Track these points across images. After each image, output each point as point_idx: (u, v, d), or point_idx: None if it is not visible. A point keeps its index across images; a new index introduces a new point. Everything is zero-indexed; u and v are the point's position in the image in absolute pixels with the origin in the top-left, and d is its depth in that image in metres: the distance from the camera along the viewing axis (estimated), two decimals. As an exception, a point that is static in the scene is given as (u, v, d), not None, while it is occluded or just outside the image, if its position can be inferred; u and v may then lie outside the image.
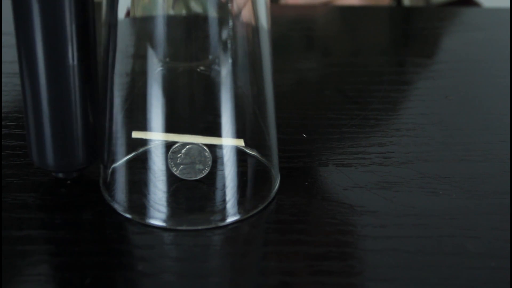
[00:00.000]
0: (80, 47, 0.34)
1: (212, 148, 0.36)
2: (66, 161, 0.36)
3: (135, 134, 0.36)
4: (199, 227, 0.34)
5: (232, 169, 0.36)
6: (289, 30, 0.63)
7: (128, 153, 0.37)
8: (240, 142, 0.35)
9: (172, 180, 0.36)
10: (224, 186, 0.36)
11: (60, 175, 0.37)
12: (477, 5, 0.80)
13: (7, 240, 0.33)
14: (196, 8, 0.35)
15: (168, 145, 0.36)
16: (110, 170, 0.37)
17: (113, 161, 0.37)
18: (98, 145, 0.36)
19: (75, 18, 0.34)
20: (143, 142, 0.37)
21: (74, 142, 0.36)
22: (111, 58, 0.35)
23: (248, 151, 0.38)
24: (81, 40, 0.34)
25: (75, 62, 0.34)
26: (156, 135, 0.36)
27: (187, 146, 0.36)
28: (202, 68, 0.36)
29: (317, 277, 0.31)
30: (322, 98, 0.49)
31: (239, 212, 0.35)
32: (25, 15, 0.33)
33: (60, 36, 0.34)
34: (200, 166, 0.36)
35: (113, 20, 0.34)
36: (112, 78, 0.35)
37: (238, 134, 0.36)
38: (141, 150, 0.38)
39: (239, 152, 0.37)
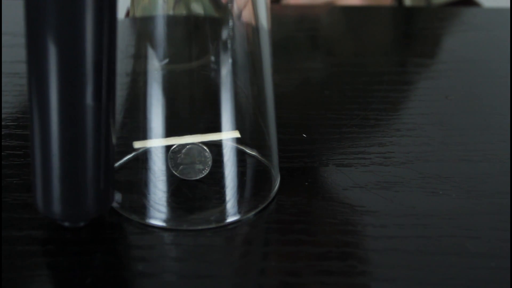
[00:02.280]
0: (99, 84, 0.30)
1: (212, 148, 0.36)
2: (74, 210, 0.32)
3: (137, 145, 0.36)
4: (199, 227, 0.34)
5: (232, 169, 0.36)
6: (292, 31, 0.63)
7: (128, 153, 0.37)
8: (236, 134, 0.35)
9: (172, 180, 0.36)
10: (224, 186, 0.36)
11: (66, 224, 0.33)
12: (477, 5, 0.80)
13: (7, 240, 0.33)
14: (197, 9, 0.35)
15: (168, 145, 0.36)
16: (110, 170, 0.37)
17: (113, 161, 0.37)
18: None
19: (95, 52, 0.29)
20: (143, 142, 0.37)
21: (85, 190, 0.32)
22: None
23: (248, 151, 0.38)
24: (101, 77, 0.30)
25: (93, 101, 0.30)
26: (156, 142, 0.35)
27: (187, 146, 0.36)
28: (202, 68, 0.36)
29: (317, 277, 0.31)
30: (322, 98, 0.49)
31: (239, 212, 0.35)
32: (39, 46, 0.29)
33: (77, 72, 0.29)
34: (200, 166, 0.36)
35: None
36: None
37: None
38: (141, 150, 0.38)
39: (239, 152, 0.37)
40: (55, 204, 0.32)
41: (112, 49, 0.30)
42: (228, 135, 0.35)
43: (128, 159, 0.37)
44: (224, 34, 0.34)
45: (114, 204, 0.35)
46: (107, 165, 0.32)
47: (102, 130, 0.31)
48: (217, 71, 0.35)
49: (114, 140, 0.32)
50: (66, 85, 0.29)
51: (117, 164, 0.37)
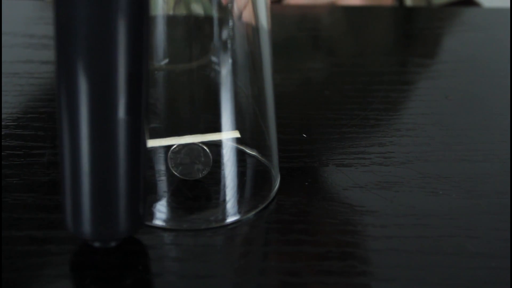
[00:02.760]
0: (132, 98, 0.29)
1: (212, 148, 0.36)
2: (105, 230, 0.31)
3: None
4: (199, 227, 0.34)
5: (232, 169, 0.36)
6: (292, 31, 0.63)
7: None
8: (236, 134, 0.35)
9: (172, 180, 0.36)
10: (224, 186, 0.36)
11: (97, 244, 0.32)
12: (477, 5, 0.80)
13: (7, 240, 0.33)
14: (197, 9, 0.35)
15: (168, 145, 0.36)
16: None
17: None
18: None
19: (128, 64, 0.28)
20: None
21: (116, 208, 0.30)
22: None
23: (248, 151, 0.38)
24: (134, 90, 0.29)
25: (125, 116, 0.29)
26: (156, 142, 0.35)
27: (187, 146, 0.36)
28: (202, 68, 0.36)
29: (317, 277, 0.31)
30: (322, 98, 0.49)
31: (239, 212, 0.35)
32: (70, 59, 0.28)
33: (109, 84, 0.28)
34: (200, 166, 0.36)
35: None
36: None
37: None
38: (141, 150, 0.38)
39: (239, 152, 0.37)
40: (85, 224, 0.30)
41: (145, 61, 0.29)
42: (228, 135, 0.35)
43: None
44: (224, 34, 0.34)
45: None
46: (140, 182, 0.31)
47: (135, 145, 0.30)
48: (217, 71, 0.35)
49: (146, 158, 0.31)
50: (98, 98, 0.28)
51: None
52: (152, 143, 0.36)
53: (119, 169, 0.29)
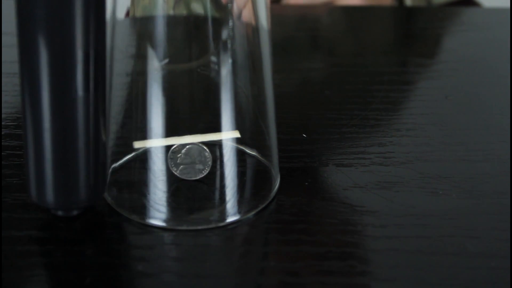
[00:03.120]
0: (89, 76, 0.31)
1: (212, 148, 0.36)
2: (67, 199, 0.33)
3: (137, 144, 0.36)
4: (199, 227, 0.34)
5: (232, 169, 0.36)
6: (292, 31, 0.63)
7: (128, 153, 0.37)
8: (236, 134, 0.35)
9: (172, 180, 0.36)
10: (224, 186, 0.36)
11: (60, 213, 0.34)
12: (477, 5, 0.80)
13: (7, 240, 0.33)
14: (197, 9, 0.35)
15: (168, 145, 0.36)
16: (110, 170, 0.37)
17: (113, 161, 0.37)
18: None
19: (84, 45, 0.30)
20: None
21: (77, 179, 0.32)
22: (110, 58, 0.35)
23: (248, 151, 0.38)
24: (91, 68, 0.31)
25: (83, 93, 0.31)
26: (156, 142, 0.35)
27: (187, 146, 0.36)
28: (202, 68, 0.36)
29: (317, 277, 0.31)
30: (322, 98, 0.49)
31: (239, 212, 0.35)
32: (30, 39, 0.30)
33: (68, 64, 0.30)
34: (200, 166, 0.36)
35: (113, 20, 0.34)
36: (112, 78, 0.35)
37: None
38: (141, 150, 0.38)
39: (239, 152, 0.37)
40: (48, 193, 0.32)
41: (101, 42, 0.31)
42: (228, 135, 0.35)
43: (128, 159, 0.37)
44: (224, 34, 0.34)
45: (115, 204, 0.35)
46: (98, 155, 0.33)
47: (92, 120, 0.32)
48: (217, 71, 0.35)
49: (104, 132, 0.33)
50: (57, 77, 0.30)
51: (117, 164, 0.37)
52: (152, 143, 0.36)
53: (78, 142, 0.32)
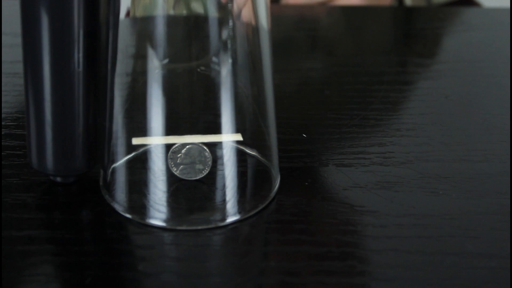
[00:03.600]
0: (86, 53, 0.34)
1: (212, 148, 0.36)
2: (65, 165, 0.36)
3: (136, 141, 0.36)
4: (199, 227, 0.34)
5: (232, 169, 0.36)
6: (292, 31, 0.63)
7: (128, 153, 0.37)
8: (238, 137, 0.35)
9: (172, 180, 0.36)
10: (224, 186, 0.36)
11: (58, 179, 0.37)
12: (477, 5, 0.80)
13: (7, 240, 0.33)
14: (197, 8, 0.35)
15: (168, 145, 0.36)
16: (110, 170, 0.37)
17: (113, 161, 0.37)
18: (98, 145, 0.36)
19: (83, 24, 0.33)
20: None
21: (74, 147, 0.35)
22: (111, 58, 0.35)
23: (248, 151, 0.38)
24: (88, 46, 0.34)
25: (80, 68, 0.34)
26: (155, 139, 0.36)
27: (187, 146, 0.36)
28: (202, 68, 0.36)
29: (317, 277, 0.31)
30: (322, 98, 0.49)
31: (239, 212, 0.35)
32: (33, 19, 0.33)
33: (66, 42, 0.33)
34: (200, 166, 0.36)
35: (113, 20, 0.34)
36: (112, 78, 0.35)
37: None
38: (141, 150, 0.38)
39: (239, 152, 0.37)
40: (48, 160, 0.35)
41: (97, 22, 0.34)
42: (230, 138, 0.35)
43: (128, 159, 0.37)
44: (224, 34, 0.34)
45: (115, 204, 0.35)
46: (90, 125, 0.36)
47: (86, 93, 0.35)
48: (217, 71, 0.35)
49: (92, 106, 0.36)
50: (57, 53, 0.33)
51: (117, 164, 0.37)
52: (150, 140, 0.36)
53: (75, 114, 0.35)
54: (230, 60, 0.35)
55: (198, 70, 0.36)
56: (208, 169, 0.36)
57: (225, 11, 0.34)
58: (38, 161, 0.36)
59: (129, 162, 0.37)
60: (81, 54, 0.34)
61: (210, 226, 0.34)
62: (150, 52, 0.34)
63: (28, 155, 0.36)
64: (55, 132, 0.35)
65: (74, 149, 0.35)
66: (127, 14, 0.34)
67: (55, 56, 0.33)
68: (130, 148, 0.37)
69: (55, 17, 0.33)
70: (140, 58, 0.35)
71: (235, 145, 0.37)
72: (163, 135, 0.35)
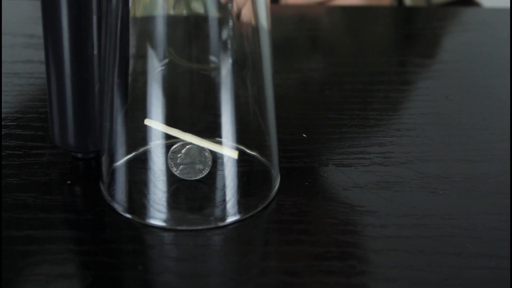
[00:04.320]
0: (98, 38, 0.36)
1: (212, 148, 0.36)
2: (85, 141, 0.38)
3: (148, 122, 0.35)
4: (199, 227, 0.34)
5: (232, 169, 0.36)
6: (292, 31, 0.63)
7: (128, 153, 0.37)
8: (234, 154, 0.35)
9: (172, 180, 0.36)
10: (224, 186, 0.36)
11: (79, 155, 0.39)
12: (477, 5, 0.80)
13: (7, 240, 0.33)
14: (197, 8, 0.35)
15: (168, 145, 0.36)
16: (110, 170, 0.37)
17: (113, 161, 0.37)
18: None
19: (96, 11, 0.36)
20: (143, 142, 0.37)
21: (94, 124, 0.38)
22: (111, 58, 0.35)
23: (248, 151, 0.38)
24: (100, 32, 0.36)
25: (95, 51, 0.36)
26: (164, 128, 0.35)
27: (187, 146, 0.36)
28: (202, 69, 0.36)
29: (317, 277, 0.31)
30: (322, 98, 0.49)
31: (239, 212, 0.35)
32: (54, 8, 0.36)
33: (85, 27, 0.36)
34: (200, 166, 0.36)
35: (113, 20, 0.34)
36: (112, 78, 0.35)
37: (238, 134, 0.36)
38: (141, 150, 0.38)
39: (239, 152, 0.37)
40: (69, 138, 0.38)
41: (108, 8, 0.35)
42: (227, 151, 0.35)
43: (128, 159, 0.37)
44: (224, 34, 0.34)
45: (115, 204, 0.35)
46: (104, 105, 0.37)
47: (103, 77, 0.36)
48: (217, 71, 0.35)
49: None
50: (76, 37, 0.36)
51: (117, 164, 0.37)
52: (162, 127, 0.35)
53: (94, 93, 0.37)
54: (230, 60, 0.35)
55: (198, 70, 0.36)
56: (208, 169, 0.36)
57: (225, 11, 0.34)
58: (60, 138, 0.38)
59: (129, 162, 0.37)
60: (95, 39, 0.36)
61: (210, 226, 0.34)
62: (150, 52, 0.34)
63: (50, 133, 0.39)
64: (75, 110, 0.37)
65: (93, 126, 0.38)
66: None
67: (74, 41, 0.36)
68: (130, 148, 0.37)
69: (74, 5, 0.35)
70: (140, 58, 0.35)
71: (235, 145, 0.37)
72: (163, 135, 0.35)
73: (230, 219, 0.34)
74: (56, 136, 0.38)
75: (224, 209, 0.35)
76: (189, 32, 0.35)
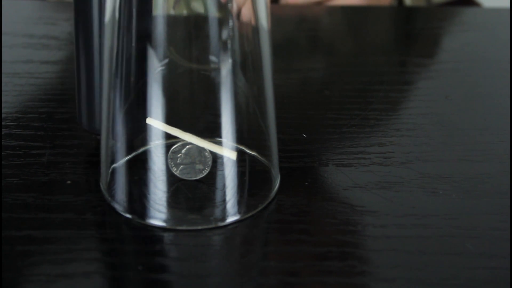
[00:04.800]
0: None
1: (212, 148, 0.36)
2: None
3: (149, 121, 0.35)
4: (199, 227, 0.34)
5: (232, 169, 0.36)
6: (292, 31, 0.63)
7: (128, 153, 0.37)
8: (233, 156, 0.35)
9: (172, 180, 0.36)
10: (224, 186, 0.36)
11: None
12: (477, 5, 0.80)
13: (7, 240, 0.33)
14: (197, 8, 0.35)
15: (168, 145, 0.36)
16: (110, 170, 0.37)
17: (113, 161, 0.37)
18: (99, 143, 0.37)
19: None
20: (143, 142, 0.37)
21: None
22: (111, 57, 0.35)
23: (248, 151, 0.38)
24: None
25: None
26: (168, 128, 0.35)
27: (187, 146, 0.36)
28: (202, 69, 0.36)
29: (317, 277, 0.31)
30: (322, 98, 0.49)
31: (239, 212, 0.35)
32: (86, 9, 0.38)
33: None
34: (200, 166, 0.36)
35: (114, 21, 0.34)
36: (112, 78, 0.35)
37: (238, 134, 0.36)
38: (141, 150, 0.38)
39: (239, 152, 0.37)
40: (96, 122, 0.40)
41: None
42: (226, 152, 0.35)
43: (128, 159, 0.37)
44: (224, 34, 0.34)
45: (115, 204, 0.35)
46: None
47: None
48: (217, 71, 0.35)
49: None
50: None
51: (117, 164, 0.37)
52: (162, 126, 0.35)
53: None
54: (230, 60, 0.35)
55: (198, 70, 0.36)
56: (208, 169, 0.36)
57: (225, 11, 0.34)
58: (88, 122, 0.40)
59: (129, 162, 0.37)
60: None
61: (210, 226, 0.34)
62: (150, 52, 0.34)
63: (78, 117, 0.40)
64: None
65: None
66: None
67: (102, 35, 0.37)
68: (130, 148, 0.37)
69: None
70: (140, 58, 0.35)
71: (235, 145, 0.37)
72: (163, 135, 0.35)
73: (230, 219, 0.34)
74: (84, 120, 0.40)
75: (224, 209, 0.35)
76: (189, 32, 0.35)
